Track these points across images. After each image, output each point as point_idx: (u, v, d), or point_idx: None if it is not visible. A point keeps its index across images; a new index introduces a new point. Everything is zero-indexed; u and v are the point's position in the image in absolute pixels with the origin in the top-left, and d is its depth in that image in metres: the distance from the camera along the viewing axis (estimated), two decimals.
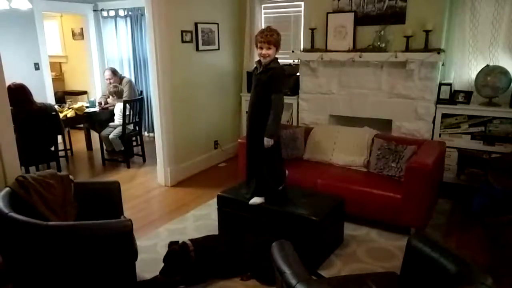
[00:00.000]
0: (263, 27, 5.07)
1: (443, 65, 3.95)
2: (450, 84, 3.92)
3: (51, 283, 2.17)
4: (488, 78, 3.67)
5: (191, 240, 2.68)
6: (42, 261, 2.11)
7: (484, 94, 3.76)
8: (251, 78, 3.01)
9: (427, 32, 3.68)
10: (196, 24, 4.49)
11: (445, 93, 3.89)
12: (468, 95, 3.85)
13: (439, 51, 3.66)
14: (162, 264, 2.57)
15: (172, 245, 2.65)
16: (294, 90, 4.62)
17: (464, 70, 4.00)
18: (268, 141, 2.80)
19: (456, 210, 3.66)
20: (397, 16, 3.85)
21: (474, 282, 1.54)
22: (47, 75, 6.06)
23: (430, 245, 1.86)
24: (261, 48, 2.75)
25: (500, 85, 3.65)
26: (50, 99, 5.90)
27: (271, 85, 2.77)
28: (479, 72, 3.77)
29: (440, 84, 3.92)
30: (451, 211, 3.66)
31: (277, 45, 2.77)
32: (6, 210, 2.11)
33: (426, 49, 3.71)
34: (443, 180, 3.79)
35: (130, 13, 6.14)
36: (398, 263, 2.23)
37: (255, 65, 2.94)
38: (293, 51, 4.44)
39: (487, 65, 3.76)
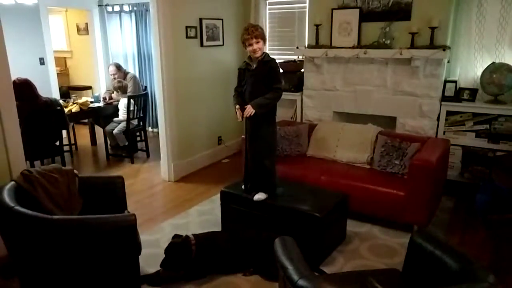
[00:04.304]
0: (267, 23, 5.08)
1: (448, 62, 3.92)
2: (455, 81, 3.89)
3: (56, 276, 2.19)
4: (493, 76, 3.65)
5: (194, 234, 2.69)
6: (46, 254, 2.13)
7: (490, 92, 3.74)
8: (241, 76, 3.00)
9: (432, 28, 3.65)
10: (200, 20, 4.49)
11: (450, 91, 3.87)
12: (473, 92, 3.83)
13: (444, 48, 3.63)
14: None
15: (176, 237, 2.67)
16: (298, 86, 4.61)
17: (470, 67, 3.97)
18: (250, 109, 2.79)
19: (459, 208, 3.66)
20: (402, 13, 3.82)
21: (477, 279, 1.54)
22: (52, 70, 6.08)
23: (432, 242, 1.86)
24: (251, 45, 2.82)
25: (506, 83, 3.62)
26: (55, 94, 5.92)
27: (271, 78, 2.85)
28: (485, 69, 3.74)
29: (445, 81, 3.90)
30: (454, 208, 3.65)
31: (263, 38, 2.86)
32: (11, 204, 2.13)
33: (432, 46, 3.68)
34: (447, 178, 3.77)
35: (134, 8, 6.14)
36: (400, 260, 2.24)
37: (244, 63, 2.96)
38: (297, 47, 4.43)
39: (493, 63, 3.73)
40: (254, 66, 2.88)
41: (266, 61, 2.85)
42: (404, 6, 3.81)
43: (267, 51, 4.99)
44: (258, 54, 2.84)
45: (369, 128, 3.82)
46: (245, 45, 2.86)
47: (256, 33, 2.80)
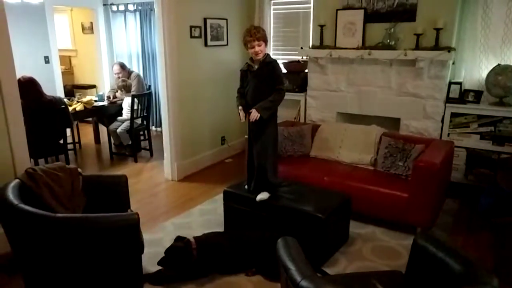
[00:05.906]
0: (272, 23, 5.08)
1: (453, 63, 3.91)
2: (460, 83, 3.88)
3: (59, 273, 2.20)
4: (499, 78, 3.63)
5: (195, 237, 2.69)
6: (50, 252, 2.14)
7: (495, 94, 3.72)
8: (243, 77, 3.02)
9: (437, 30, 3.64)
10: (205, 20, 4.49)
11: (454, 92, 3.85)
12: (478, 94, 3.81)
13: (449, 49, 3.62)
14: None
15: (179, 240, 2.67)
16: (302, 87, 4.61)
17: (475, 69, 3.95)
18: (255, 113, 2.80)
19: (463, 210, 3.64)
20: (407, 14, 3.81)
21: (480, 282, 1.53)
22: (57, 69, 6.11)
23: (436, 244, 1.85)
24: (253, 47, 2.84)
25: (511, 85, 3.60)
26: (60, 93, 5.95)
27: (274, 78, 2.87)
28: (490, 71, 3.72)
29: (450, 83, 3.88)
30: (458, 211, 3.63)
31: (265, 40, 2.89)
32: (15, 201, 2.14)
33: (437, 47, 3.67)
34: (451, 180, 3.76)
35: (139, 7, 6.16)
36: (403, 262, 2.23)
37: (246, 65, 2.98)
38: (301, 48, 4.42)
39: (499, 64, 3.71)
40: (256, 67, 2.90)
41: (268, 62, 2.88)
42: (409, 7, 3.80)
43: (271, 51, 5.04)
44: (260, 56, 2.86)
45: (372, 129, 3.81)
46: (247, 47, 2.88)
47: (258, 35, 2.82)
